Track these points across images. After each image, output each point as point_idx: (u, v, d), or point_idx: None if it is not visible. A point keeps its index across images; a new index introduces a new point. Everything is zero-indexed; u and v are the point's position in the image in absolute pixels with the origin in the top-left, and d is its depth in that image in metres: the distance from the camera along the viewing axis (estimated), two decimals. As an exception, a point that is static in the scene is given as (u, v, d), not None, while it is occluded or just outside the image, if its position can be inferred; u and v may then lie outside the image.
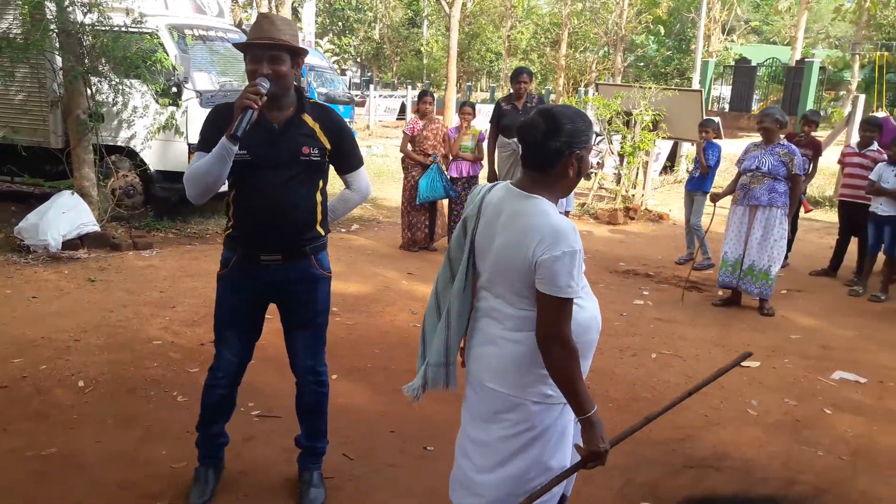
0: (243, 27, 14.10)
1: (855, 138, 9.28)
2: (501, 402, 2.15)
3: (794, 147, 5.67)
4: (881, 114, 15.89)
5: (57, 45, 7.02)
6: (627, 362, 4.67)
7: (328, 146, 2.70)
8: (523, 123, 2.08)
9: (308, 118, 2.68)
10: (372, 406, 3.87)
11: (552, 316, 1.99)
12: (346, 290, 5.90)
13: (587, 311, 2.12)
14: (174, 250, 7.00)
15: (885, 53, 22.63)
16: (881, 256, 6.44)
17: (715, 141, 7.22)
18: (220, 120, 2.56)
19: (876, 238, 6.28)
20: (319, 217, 2.77)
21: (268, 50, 2.51)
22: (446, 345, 2.27)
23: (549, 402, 2.09)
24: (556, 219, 2.01)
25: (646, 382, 4.37)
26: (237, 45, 2.65)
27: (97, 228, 6.83)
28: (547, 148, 2.02)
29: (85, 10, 6.86)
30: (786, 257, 7.01)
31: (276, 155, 2.58)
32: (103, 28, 6.96)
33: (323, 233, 2.81)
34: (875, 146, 6.55)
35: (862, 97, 10.79)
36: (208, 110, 2.67)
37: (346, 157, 2.83)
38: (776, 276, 5.71)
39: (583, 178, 2.22)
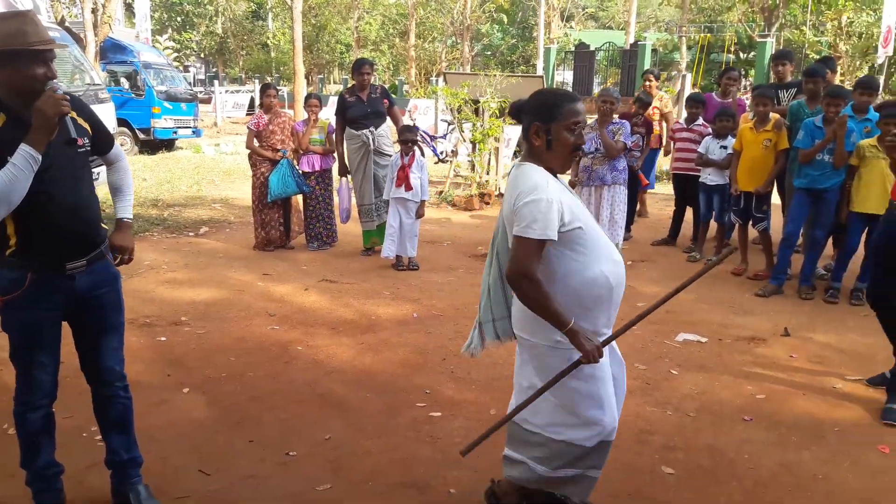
0: (66, 24, 13.07)
1: (684, 114, 9.96)
2: (524, 347, 2.54)
3: (624, 122, 5.99)
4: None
5: None
6: (488, 344, 4.73)
7: (90, 130, 2.63)
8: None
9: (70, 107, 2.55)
10: (228, 417, 3.68)
11: (518, 253, 2.29)
12: (196, 297, 5.60)
13: (593, 270, 2.37)
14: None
15: (708, 35, 24.51)
16: (714, 223, 6.94)
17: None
18: None
19: (707, 206, 6.76)
20: (100, 211, 2.73)
21: (48, 52, 2.41)
22: (505, 301, 2.64)
23: (559, 346, 2.40)
24: (534, 177, 2.34)
25: (506, 361, 4.44)
26: (10, 49, 2.36)
27: None
28: (520, 120, 2.45)
29: None
30: (628, 229, 7.43)
31: (52, 149, 2.40)
32: None
33: (106, 227, 2.74)
34: (700, 121, 7.03)
35: (688, 76, 11.57)
36: None
37: (105, 135, 2.78)
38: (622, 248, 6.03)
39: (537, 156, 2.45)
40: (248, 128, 7.22)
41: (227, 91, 27.02)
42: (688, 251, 7.08)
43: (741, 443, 3.45)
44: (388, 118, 6.97)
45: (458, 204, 9.58)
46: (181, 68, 32.45)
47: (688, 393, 4.02)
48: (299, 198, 7.28)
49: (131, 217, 2.87)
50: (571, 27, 29.16)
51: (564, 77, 23.59)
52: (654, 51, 23.61)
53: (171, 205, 9.36)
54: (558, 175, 2.46)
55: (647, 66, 17.99)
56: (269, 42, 35.85)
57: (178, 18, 39.39)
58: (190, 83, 22.56)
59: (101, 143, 2.74)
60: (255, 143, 7.07)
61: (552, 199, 2.27)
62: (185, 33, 38.14)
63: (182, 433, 3.48)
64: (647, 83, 8.45)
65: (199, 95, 20.24)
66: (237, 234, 7.98)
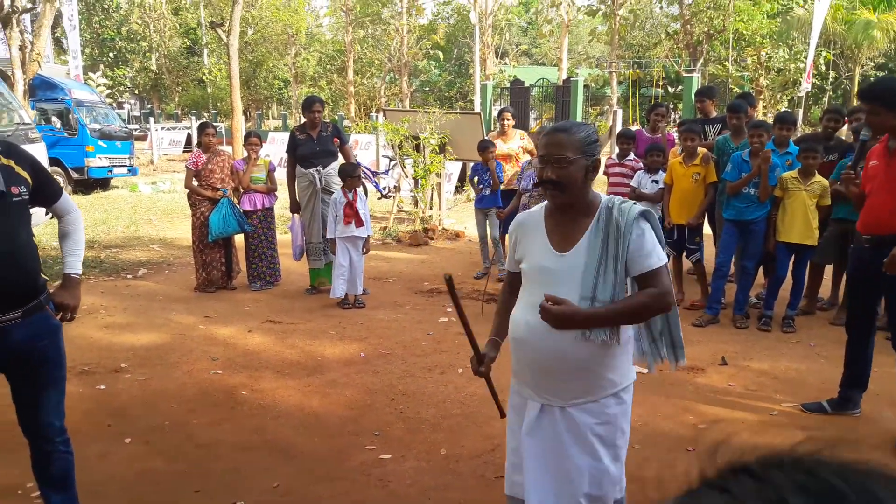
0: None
1: (616, 150, 10.28)
2: None
3: None
4: (635, 126, 17.77)
5: None
6: (436, 380, 4.76)
7: (30, 180, 2.58)
8: None
9: (0, 158, 2.50)
10: (172, 468, 3.59)
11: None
12: (136, 342, 5.46)
13: (514, 312, 2.37)
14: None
15: (637, 70, 25.41)
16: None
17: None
18: None
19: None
20: (39, 261, 2.67)
21: None
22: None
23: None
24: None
25: (455, 398, 4.47)
26: None
27: None
28: None
29: None
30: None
31: None
32: None
33: (45, 278, 2.69)
34: (632, 156, 7.27)
35: (620, 111, 11.97)
36: None
37: (50, 185, 2.73)
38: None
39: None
40: (186, 167, 7.13)
41: (163, 128, 26.59)
42: (626, 282, 7.26)
43: (685, 474, 3.54)
44: (339, 156, 7.01)
45: (402, 239, 9.62)
46: (115, 105, 31.84)
47: (631, 425, 4.11)
48: (240, 237, 7.21)
49: (80, 273, 2.79)
50: (506, 63, 29.83)
51: (502, 112, 24.14)
52: (586, 86, 24.36)
53: (107, 246, 9.12)
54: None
55: (580, 100, 18.51)
56: (204, 78, 35.49)
57: (111, 54, 38.69)
58: (124, 120, 22.14)
59: (46, 193, 2.69)
60: (195, 182, 6.99)
61: (513, 234, 2.44)
62: (118, 69, 37.48)
63: (125, 486, 3.38)
64: (505, 122, 7.94)
65: (135, 133, 19.86)
66: (177, 275, 7.82)
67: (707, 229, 6.74)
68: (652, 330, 2.48)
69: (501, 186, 7.34)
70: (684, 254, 6.49)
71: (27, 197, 2.55)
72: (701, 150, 6.29)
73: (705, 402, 4.43)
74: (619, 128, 11.11)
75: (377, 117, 19.31)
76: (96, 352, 5.20)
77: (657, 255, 2.20)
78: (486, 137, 8.22)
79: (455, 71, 33.34)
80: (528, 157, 7.45)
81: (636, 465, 3.60)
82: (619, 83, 28.62)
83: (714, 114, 7.43)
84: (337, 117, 28.67)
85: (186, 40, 38.59)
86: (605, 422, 2.28)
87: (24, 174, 2.55)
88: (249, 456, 3.70)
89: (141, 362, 5.04)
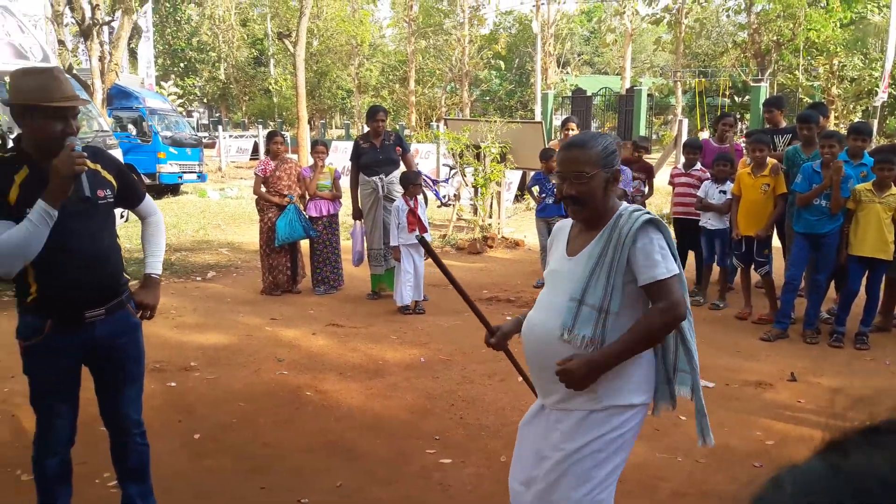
0: (74, 72, 13.32)
1: (682, 159, 10.11)
2: None
3: (624, 168, 6.09)
4: (703, 135, 17.44)
5: None
6: (496, 388, 4.76)
7: (115, 183, 2.69)
8: None
9: (88, 162, 2.60)
10: (239, 464, 3.69)
11: None
12: (205, 342, 5.64)
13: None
14: (10, 314, 6.38)
15: (703, 80, 24.96)
16: (716, 267, 7.01)
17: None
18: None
19: (709, 250, 6.83)
20: (122, 262, 2.80)
21: (68, 109, 2.46)
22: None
23: None
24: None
25: (514, 406, 4.47)
26: (28, 104, 2.43)
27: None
28: None
29: None
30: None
31: (71, 204, 2.46)
32: None
33: (128, 277, 2.82)
34: (699, 165, 7.15)
35: (685, 121, 11.78)
36: None
37: (134, 189, 2.85)
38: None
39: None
40: (255, 174, 7.34)
41: (230, 136, 27.36)
42: (691, 295, 7.13)
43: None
44: (401, 165, 7.11)
45: (461, 247, 9.66)
46: (185, 114, 32.92)
47: (696, 439, 4.03)
48: (306, 242, 7.37)
49: (160, 273, 2.90)
50: (568, 73, 29.70)
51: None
52: (649, 96, 24.04)
53: (178, 249, 9.44)
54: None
55: (643, 110, 18.32)
56: (271, 88, 36.39)
57: (182, 64, 40.05)
58: (194, 128, 22.86)
59: (130, 196, 2.81)
60: (263, 188, 7.19)
61: (549, 239, 2.46)
62: (188, 79, 38.75)
63: (193, 481, 3.49)
64: (569, 131, 7.86)
65: (204, 141, 20.50)
66: (244, 278, 8.04)
67: (776, 242, 6.57)
68: (666, 365, 2.31)
69: None
70: (752, 266, 6.34)
71: (112, 200, 2.66)
72: (770, 161, 6.14)
73: (773, 417, 4.31)
74: (684, 137, 10.93)
75: (437, 126, 19.54)
76: (168, 350, 5.39)
77: (665, 266, 2.09)
78: (548, 146, 8.20)
79: (516, 80, 33.34)
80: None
81: (700, 479, 3.53)
82: (684, 93, 28.14)
83: (783, 124, 7.25)
84: (398, 127, 29.03)
85: (254, 51, 39.67)
86: (580, 439, 2.15)
87: (110, 178, 2.67)
88: (313, 455, 3.78)
89: (210, 361, 5.21)
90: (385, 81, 34.22)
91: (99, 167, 2.64)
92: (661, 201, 13.66)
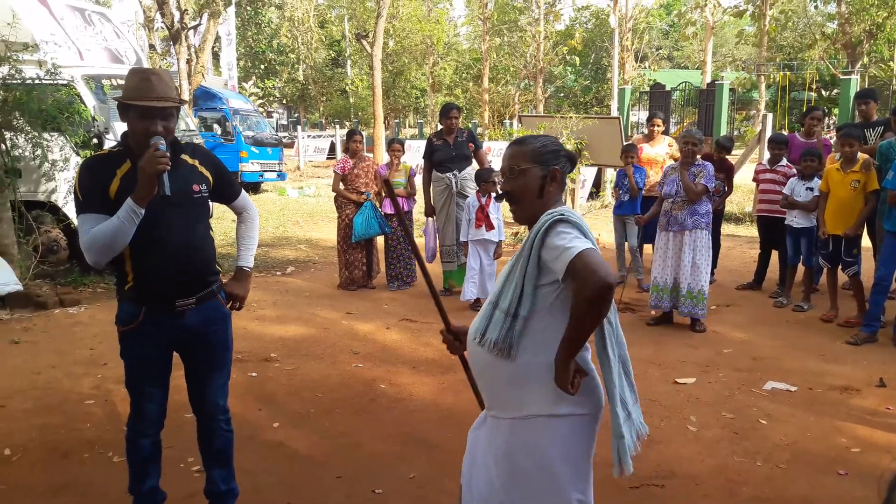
0: (164, 74, 13.93)
1: (767, 155, 9.77)
2: None
3: (707, 163, 5.92)
4: (786, 131, 16.74)
5: (-35, 100, 6.77)
6: (570, 387, 4.73)
7: (211, 178, 2.78)
8: None
9: (186, 157, 2.73)
10: (317, 453, 3.80)
11: None
12: (284, 334, 5.82)
13: None
14: (103, 305, 6.76)
15: (788, 73, 23.99)
16: (801, 267, 6.76)
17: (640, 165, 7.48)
18: (96, 177, 2.57)
19: (794, 250, 6.58)
20: (215, 255, 2.88)
21: (162, 109, 2.56)
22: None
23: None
24: None
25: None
26: (126, 102, 2.57)
27: (20, 287, 6.54)
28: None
29: (-6, 65, 6.67)
30: (712, 273, 7.31)
31: (171, 199, 2.55)
32: (15, 81, 6.76)
33: (219, 269, 2.90)
34: (784, 162, 6.90)
35: (770, 116, 11.37)
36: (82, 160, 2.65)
37: (230, 185, 2.94)
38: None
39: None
40: (334, 171, 7.51)
41: (308, 136, 28.01)
42: (774, 296, 6.90)
43: (835, 499, 3.33)
44: (473, 161, 7.15)
45: (534, 245, 9.61)
46: (265, 114, 33.90)
47: (778, 443, 3.91)
48: (381, 238, 7.50)
49: (251, 266, 3.02)
50: (646, 67, 29.09)
51: (639, 117, 23.46)
52: (731, 90, 23.27)
53: (259, 245, 9.73)
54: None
55: (725, 105, 17.72)
56: (347, 88, 37.06)
57: (262, 66, 41.23)
58: (274, 129, 23.52)
59: (226, 191, 2.92)
60: (341, 185, 7.35)
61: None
62: (268, 80, 39.85)
63: (273, 468, 3.61)
64: (655, 127, 7.66)
65: (283, 140, 21.07)
66: (321, 273, 8.25)
67: (866, 241, 6.27)
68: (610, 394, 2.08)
69: (643, 193, 7.19)
70: (839, 267, 6.08)
71: (207, 194, 2.76)
72: (862, 156, 5.87)
73: (859, 424, 4.13)
74: (768, 133, 10.55)
75: (510, 124, 19.49)
76: (249, 341, 5.59)
77: (570, 247, 1.91)
78: (630, 142, 8.07)
79: (591, 76, 32.88)
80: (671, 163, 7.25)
81: (782, 485, 3.43)
82: (768, 87, 27.13)
83: (875, 117, 6.91)
84: (471, 125, 29.09)
85: (331, 52, 40.48)
86: (505, 444, 2.06)
87: (207, 173, 2.77)
88: (387, 446, 3.85)
89: (289, 353, 5.37)
90: (458, 80, 34.35)
91: (197, 163, 2.75)
92: (742, 199, 13.24)
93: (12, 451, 3.77)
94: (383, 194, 7.37)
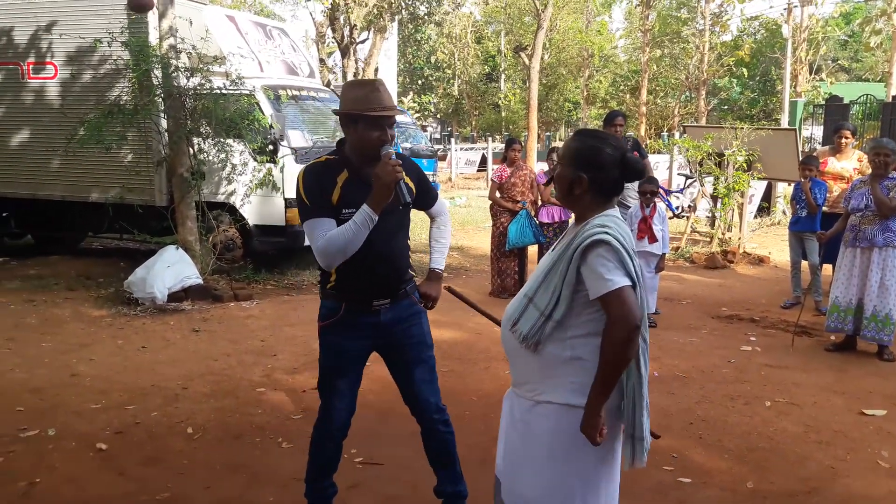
0: (332, 87, 14.68)
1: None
2: None
3: (822, 182, 5.35)
4: None
5: (162, 108, 7.44)
6: (740, 411, 4.42)
7: (414, 189, 2.82)
8: None
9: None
10: (472, 455, 3.76)
11: None
12: (440, 337, 5.84)
13: None
14: (273, 301, 7.17)
15: None
16: None
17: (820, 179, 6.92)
18: (322, 183, 2.66)
19: None
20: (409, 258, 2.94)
21: (389, 118, 2.64)
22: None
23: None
24: None
25: (762, 432, 4.11)
26: (354, 113, 2.64)
27: (200, 281, 7.09)
28: None
29: (188, 75, 7.27)
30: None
31: (396, 209, 2.63)
32: (205, 91, 7.35)
33: (413, 274, 2.95)
34: None
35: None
36: (302, 168, 2.74)
37: (429, 192, 3.00)
38: (897, 318, 5.34)
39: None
40: (491, 180, 7.54)
41: (460, 149, 28.50)
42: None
43: None
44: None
45: (696, 261, 9.15)
46: (420, 127, 34.91)
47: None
48: (534, 248, 7.42)
49: (442, 268, 3.05)
50: (821, 79, 27.04)
51: (812, 132, 21.85)
52: (923, 103, 21.08)
53: (414, 251, 9.98)
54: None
55: (914, 119, 16.12)
56: (500, 102, 37.36)
57: (419, 81, 42.53)
58: (429, 141, 24.15)
59: (426, 199, 2.98)
60: (497, 194, 7.36)
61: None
62: (424, 96, 41.01)
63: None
64: (843, 140, 7.01)
65: (437, 153, 21.56)
66: (473, 280, 8.30)
67: None
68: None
69: (825, 209, 6.62)
70: None
71: (410, 204, 2.77)
72: None
73: None
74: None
75: (667, 136, 18.79)
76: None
77: (611, 280, 1.98)
78: (813, 154, 7.51)
79: (759, 88, 31.06)
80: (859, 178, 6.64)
81: None
82: (966, 99, 24.36)
83: None
84: (628, 136, 28.36)
85: (486, 67, 40.99)
86: (521, 427, 2.18)
87: (411, 184, 2.83)
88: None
89: (444, 356, 5.41)
90: (615, 92, 33.63)
91: (403, 173, 2.81)
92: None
93: (194, 429, 4.05)
94: (539, 203, 7.29)
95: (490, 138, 31.14)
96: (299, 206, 2.70)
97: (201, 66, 7.33)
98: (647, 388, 2.17)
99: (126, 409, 4.32)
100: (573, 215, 2.24)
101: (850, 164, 6.92)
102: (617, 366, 2.00)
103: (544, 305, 2.09)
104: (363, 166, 2.67)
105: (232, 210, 8.04)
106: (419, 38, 40.80)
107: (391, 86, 25.71)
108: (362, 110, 2.61)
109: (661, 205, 6.42)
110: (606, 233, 2.03)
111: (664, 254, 6.34)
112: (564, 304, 2.07)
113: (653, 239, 6.19)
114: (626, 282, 1.99)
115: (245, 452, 3.77)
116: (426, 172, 12.97)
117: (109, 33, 7.13)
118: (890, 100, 20.43)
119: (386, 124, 2.62)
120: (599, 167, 2.12)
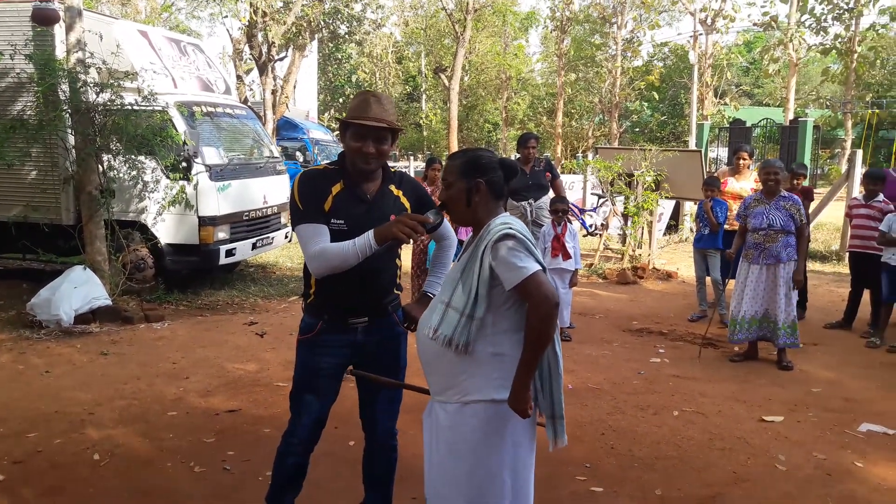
0: (249, 104, 14.48)
1: (855, 193, 9.40)
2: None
3: (795, 196, 5.74)
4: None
5: (69, 124, 7.17)
6: (649, 421, 4.59)
7: (409, 209, 2.80)
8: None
9: (393, 188, 2.78)
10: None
11: None
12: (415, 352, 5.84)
13: None
14: (185, 322, 6.98)
15: (877, 111, 23.09)
16: None
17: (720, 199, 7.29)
18: (316, 190, 2.65)
19: (890, 289, 6.25)
20: (397, 278, 2.90)
21: (375, 130, 2.61)
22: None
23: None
24: None
25: (670, 440, 4.28)
26: (345, 120, 2.65)
27: (109, 302, 6.83)
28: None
29: (97, 91, 7.04)
30: (805, 309, 7.08)
31: (369, 224, 2.58)
32: (115, 107, 7.12)
33: (399, 291, 2.89)
34: (881, 197, 6.61)
35: (859, 152, 10.94)
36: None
37: None
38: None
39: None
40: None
41: (382, 167, 28.50)
42: (866, 336, 6.55)
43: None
44: (549, 191, 7.12)
45: (608, 277, 9.46)
46: (342, 145, 34.70)
47: (876, 487, 3.68)
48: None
49: (436, 293, 2.96)
50: (725, 104, 28.49)
51: (718, 153, 22.97)
52: (815, 127, 22.54)
53: (406, 272, 9.90)
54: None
55: (808, 142, 17.15)
56: (422, 122, 37.65)
57: (340, 100, 42.39)
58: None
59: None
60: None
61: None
62: (345, 114, 40.84)
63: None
64: (741, 161, 7.42)
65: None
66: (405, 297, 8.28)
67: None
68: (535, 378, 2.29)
69: (726, 226, 6.99)
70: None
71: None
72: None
73: (970, 474, 3.84)
74: (858, 170, 10.16)
75: (582, 157, 19.39)
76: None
77: (523, 267, 2.15)
78: (715, 175, 7.91)
79: (669, 111, 32.45)
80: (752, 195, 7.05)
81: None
82: (854, 125, 26.17)
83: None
84: (543, 157, 29.05)
85: (407, 87, 41.25)
86: (445, 431, 2.28)
87: (407, 204, 2.80)
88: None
89: (416, 372, 5.36)
90: (533, 114, 34.45)
91: (400, 193, 2.80)
92: (828, 237, 12.74)
93: (100, 456, 3.90)
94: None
95: (412, 157, 31.30)
96: (292, 210, 2.67)
97: (112, 81, 7.12)
98: (562, 366, 2.32)
99: (27, 437, 4.11)
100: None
101: (748, 184, 7.33)
102: (543, 343, 2.15)
103: (462, 306, 2.22)
104: (358, 181, 2.67)
105: (143, 229, 7.79)
106: (339, 56, 40.72)
107: (310, 103, 25.54)
108: (353, 118, 2.61)
109: (575, 223, 6.63)
110: (510, 227, 2.22)
111: (577, 270, 6.53)
112: (483, 301, 2.21)
113: (566, 256, 6.37)
114: (537, 267, 2.17)
115: (155, 478, 3.65)
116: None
117: (12, 45, 6.83)
118: (787, 123, 21.72)
119: (370, 136, 2.60)
120: (487, 170, 2.33)
